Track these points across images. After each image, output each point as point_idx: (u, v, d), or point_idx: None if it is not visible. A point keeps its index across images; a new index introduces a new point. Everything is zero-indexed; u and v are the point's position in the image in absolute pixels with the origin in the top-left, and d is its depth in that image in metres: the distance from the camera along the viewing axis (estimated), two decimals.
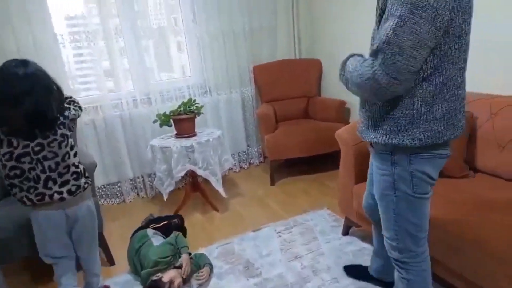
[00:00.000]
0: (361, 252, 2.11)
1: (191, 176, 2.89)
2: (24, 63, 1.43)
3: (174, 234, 2.09)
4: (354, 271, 1.92)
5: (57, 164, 1.52)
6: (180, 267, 1.92)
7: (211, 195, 2.91)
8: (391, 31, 0.99)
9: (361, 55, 1.20)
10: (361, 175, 1.91)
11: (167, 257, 1.93)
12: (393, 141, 1.15)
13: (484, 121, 1.87)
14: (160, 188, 2.73)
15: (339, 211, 2.38)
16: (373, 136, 1.22)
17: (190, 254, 2.01)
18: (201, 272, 2.00)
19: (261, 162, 3.84)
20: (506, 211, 1.49)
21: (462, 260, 1.45)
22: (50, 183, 1.52)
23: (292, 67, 3.64)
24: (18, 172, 1.47)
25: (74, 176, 1.57)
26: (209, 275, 2.03)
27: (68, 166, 1.55)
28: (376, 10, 1.14)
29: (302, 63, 3.70)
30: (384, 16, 1.06)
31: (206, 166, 2.66)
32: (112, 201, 3.23)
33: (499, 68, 2.07)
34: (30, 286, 2.18)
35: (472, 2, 1.09)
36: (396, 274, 1.40)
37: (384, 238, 1.38)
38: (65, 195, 1.54)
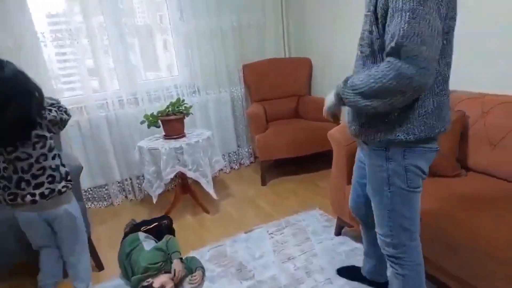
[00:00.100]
0: (354, 252, 2.10)
1: (181, 177, 2.83)
2: (0, 65, 1.36)
3: (166, 238, 2.03)
4: (347, 272, 1.90)
5: (31, 165, 1.48)
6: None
7: (201, 197, 2.86)
8: (406, 24, 0.97)
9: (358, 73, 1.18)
10: None
11: (157, 263, 1.88)
12: (389, 137, 1.17)
13: (476, 119, 1.87)
14: (149, 190, 2.67)
15: (331, 211, 2.36)
16: (368, 134, 1.22)
17: (181, 259, 1.95)
18: (194, 276, 1.96)
19: (251, 162, 3.80)
20: (499, 209, 1.49)
21: (456, 260, 1.44)
22: (23, 184, 1.49)
23: (281, 66, 3.61)
24: None
25: (50, 179, 1.53)
26: (202, 279, 1.99)
27: (43, 168, 1.51)
28: (369, 11, 1.12)
29: (292, 61, 3.67)
30: (389, 14, 1.03)
31: (196, 168, 2.61)
32: (99, 204, 3.15)
33: (489, 67, 2.08)
34: None
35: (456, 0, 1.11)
36: (390, 272, 1.40)
37: (378, 236, 1.37)
38: (37, 197, 1.50)
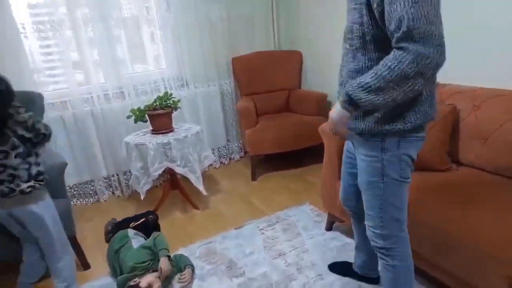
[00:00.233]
0: (345, 248, 2.08)
1: (170, 173, 2.77)
2: None
3: (153, 236, 1.98)
4: (339, 268, 1.89)
5: None
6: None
7: (190, 193, 2.81)
8: (411, 8, 0.97)
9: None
10: None
11: (144, 262, 1.83)
12: (386, 127, 1.17)
13: (467, 113, 1.86)
14: (137, 187, 2.61)
15: (322, 206, 2.34)
16: (364, 126, 1.21)
17: (169, 257, 1.90)
18: (183, 275, 1.91)
19: (241, 157, 3.76)
20: (492, 204, 1.48)
21: (451, 258, 1.43)
22: None
23: (271, 59, 3.56)
24: None
25: (10, 178, 1.50)
26: (192, 277, 1.95)
27: (3, 166, 1.48)
28: (358, 3, 1.11)
29: (282, 54, 3.62)
30: (386, 2, 1.01)
31: (185, 164, 2.56)
32: (85, 201, 3.07)
33: (481, 61, 2.06)
34: None
35: None
36: (380, 265, 1.39)
37: (367, 228, 1.37)
38: None
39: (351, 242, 2.11)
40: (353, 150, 1.39)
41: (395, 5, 0.99)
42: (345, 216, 1.98)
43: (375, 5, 1.05)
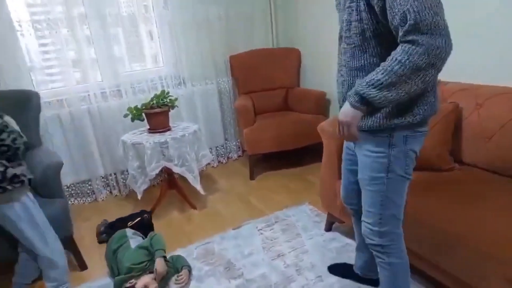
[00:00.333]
0: (345, 249, 2.05)
1: (167, 172, 2.74)
2: None
3: (150, 236, 1.95)
4: (339, 269, 1.86)
5: None
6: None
7: (188, 192, 2.78)
8: (415, 2, 0.97)
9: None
10: None
11: (141, 263, 1.79)
12: (395, 121, 1.16)
13: (470, 112, 1.82)
14: (134, 186, 2.57)
15: (321, 206, 2.31)
16: (372, 122, 1.20)
17: (165, 257, 1.87)
18: (180, 276, 1.89)
19: (239, 156, 3.72)
20: (495, 205, 1.45)
21: (453, 259, 1.40)
22: None
23: (270, 57, 3.52)
24: None
25: None
26: (189, 278, 1.92)
27: None
28: (354, 1, 1.11)
29: (280, 52, 3.58)
30: None
31: (182, 163, 2.52)
32: (83, 200, 3.04)
33: (482, 57, 2.03)
34: None
35: None
36: (378, 263, 1.39)
37: (364, 225, 1.36)
38: None
39: (351, 243, 2.08)
40: (353, 147, 1.38)
41: (394, 1, 0.99)
42: (345, 216, 1.95)
43: (375, 0, 1.05)
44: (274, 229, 2.33)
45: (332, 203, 2.05)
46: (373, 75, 1.06)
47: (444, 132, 1.82)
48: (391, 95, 1.04)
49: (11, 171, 1.54)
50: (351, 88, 1.21)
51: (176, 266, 1.93)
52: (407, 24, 0.98)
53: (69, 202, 2.98)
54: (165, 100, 2.66)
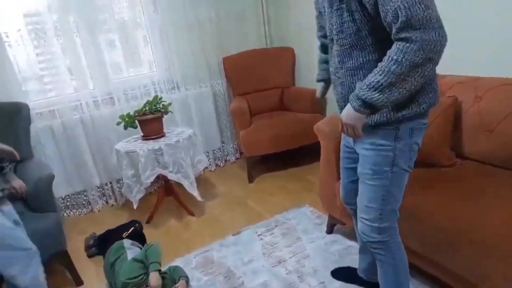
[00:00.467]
0: (348, 251, 1.99)
1: (163, 179, 2.68)
2: None
3: (145, 247, 1.89)
4: (342, 274, 1.80)
5: None
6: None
7: (186, 199, 2.72)
8: None
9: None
10: None
11: (137, 276, 1.73)
12: (403, 113, 1.14)
13: (470, 105, 1.76)
14: (129, 195, 2.52)
15: (322, 208, 2.25)
16: (379, 116, 1.17)
17: (160, 270, 1.79)
18: (177, 287, 1.82)
19: (237, 158, 3.66)
20: (497, 201, 1.40)
21: (458, 258, 1.35)
22: None
23: (263, 57, 3.46)
24: None
25: None
26: None
27: None
28: (344, 2, 1.09)
29: (274, 52, 3.52)
30: None
31: (178, 169, 2.46)
32: (79, 212, 2.98)
33: (480, 49, 1.97)
34: None
35: None
36: (379, 260, 1.37)
37: (362, 222, 1.33)
38: None
39: (353, 245, 2.02)
40: (352, 143, 1.35)
41: None
42: (346, 217, 1.89)
43: (348, 7, 1.06)
44: (274, 233, 2.27)
45: (332, 204, 1.99)
46: (372, 77, 1.05)
47: (444, 127, 1.75)
48: (393, 95, 1.04)
49: None
50: (350, 88, 1.20)
51: (174, 277, 1.87)
52: (399, 21, 0.97)
53: (65, 214, 2.93)
54: (158, 106, 2.60)
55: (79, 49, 2.80)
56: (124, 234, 2.15)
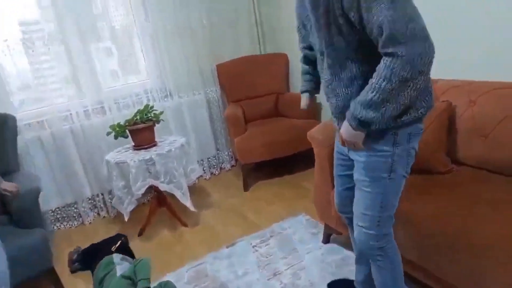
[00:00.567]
0: (345, 262, 1.93)
1: (155, 190, 2.62)
2: None
3: (134, 263, 1.82)
4: (339, 286, 1.74)
5: None
6: None
7: (179, 209, 2.66)
8: (390, 11, 0.94)
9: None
10: None
11: None
12: (402, 119, 1.13)
13: (464, 109, 1.72)
14: (120, 208, 2.46)
15: (317, 217, 2.20)
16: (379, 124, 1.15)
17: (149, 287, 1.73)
18: None
19: (233, 166, 3.61)
20: (496, 207, 1.36)
21: (448, 265, 1.32)
22: None
23: (257, 63, 3.43)
24: None
25: None
26: None
27: None
28: (320, 14, 1.07)
29: (268, 58, 3.48)
30: (363, 9, 0.97)
31: (170, 180, 2.41)
32: (69, 224, 2.91)
33: (471, 52, 1.93)
34: None
35: None
36: (375, 269, 1.35)
37: (358, 230, 1.30)
38: None
39: (350, 255, 1.96)
40: (347, 150, 1.31)
41: (372, 11, 0.96)
42: (341, 227, 1.84)
43: (352, 14, 1.01)
44: (270, 244, 2.21)
45: (327, 212, 1.93)
46: (364, 95, 1.05)
47: (439, 132, 1.71)
48: (388, 111, 1.05)
49: None
50: (346, 99, 1.18)
51: None
52: (384, 36, 0.96)
53: (55, 227, 2.86)
54: (149, 115, 2.55)
55: (69, 59, 2.75)
56: (113, 248, 2.08)
